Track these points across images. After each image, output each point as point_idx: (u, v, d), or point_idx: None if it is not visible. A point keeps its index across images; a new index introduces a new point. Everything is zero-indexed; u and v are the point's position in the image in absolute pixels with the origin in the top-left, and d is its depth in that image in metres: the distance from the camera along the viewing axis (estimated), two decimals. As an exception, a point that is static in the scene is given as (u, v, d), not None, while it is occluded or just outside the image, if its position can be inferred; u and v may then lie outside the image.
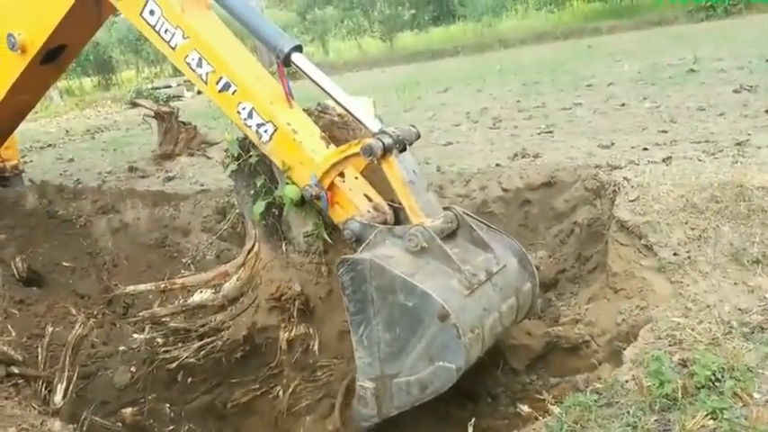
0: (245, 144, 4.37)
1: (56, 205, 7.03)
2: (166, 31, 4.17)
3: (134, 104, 12.36)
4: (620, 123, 7.88)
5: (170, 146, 10.14)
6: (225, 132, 4.67)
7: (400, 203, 3.80)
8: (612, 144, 6.72)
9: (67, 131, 15.35)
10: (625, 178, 5.01)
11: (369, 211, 3.91)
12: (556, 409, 3.27)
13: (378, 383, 3.61)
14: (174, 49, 4.18)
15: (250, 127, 4.06)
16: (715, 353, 3.21)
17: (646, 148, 6.29)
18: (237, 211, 4.77)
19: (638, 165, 5.53)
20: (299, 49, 3.94)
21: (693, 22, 21.49)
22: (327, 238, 4.23)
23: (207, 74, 4.10)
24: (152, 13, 4.19)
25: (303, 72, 3.94)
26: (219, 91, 4.10)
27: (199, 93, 21.58)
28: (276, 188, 4.32)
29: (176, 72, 28.53)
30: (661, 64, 12.39)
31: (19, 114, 6.11)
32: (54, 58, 5.23)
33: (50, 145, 13.27)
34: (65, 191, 7.41)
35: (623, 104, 9.11)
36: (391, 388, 3.57)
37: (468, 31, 30.42)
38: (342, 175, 3.95)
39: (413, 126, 3.94)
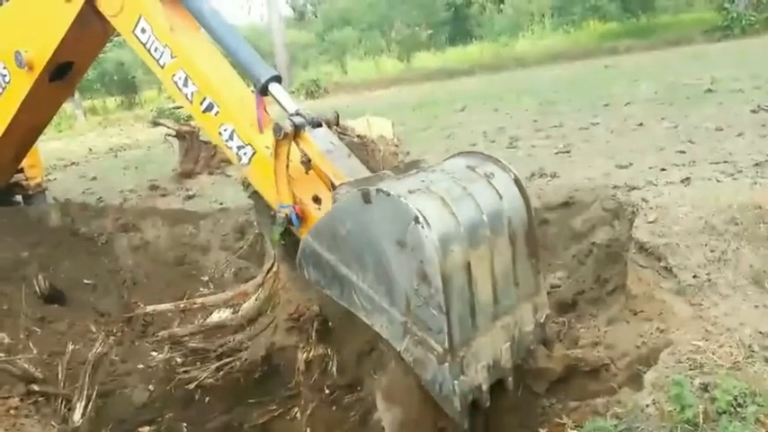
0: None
1: (78, 223, 7.10)
2: (156, 49, 4.26)
3: (156, 124, 12.52)
4: (637, 143, 7.86)
5: (190, 164, 10.25)
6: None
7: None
8: (630, 164, 6.71)
9: (91, 150, 15.53)
10: (643, 199, 5.00)
11: None
12: (575, 433, 3.25)
13: (409, 332, 3.38)
14: (162, 67, 4.27)
15: (231, 148, 4.10)
16: (736, 377, 3.18)
17: (664, 169, 6.26)
18: (257, 230, 4.80)
19: (656, 185, 5.51)
20: (277, 79, 3.97)
21: (710, 41, 21.46)
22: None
23: (192, 93, 4.17)
24: (143, 31, 4.29)
25: (279, 103, 3.94)
26: (203, 111, 4.16)
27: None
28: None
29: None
30: (678, 84, 12.36)
31: (31, 134, 6.20)
32: (62, 75, 5.34)
33: (74, 163, 13.44)
34: (87, 209, 7.49)
35: (641, 124, 9.09)
36: (417, 319, 3.32)
37: (485, 51, 30.58)
38: (318, 201, 3.94)
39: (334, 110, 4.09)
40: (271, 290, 4.58)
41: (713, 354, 3.45)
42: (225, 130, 4.09)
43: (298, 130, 3.70)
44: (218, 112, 4.10)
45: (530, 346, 3.96)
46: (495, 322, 3.61)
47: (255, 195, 4.56)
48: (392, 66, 32.00)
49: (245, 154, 4.05)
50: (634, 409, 3.20)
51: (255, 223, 4.78)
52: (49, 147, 7.33)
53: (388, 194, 3.23)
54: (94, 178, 11.10)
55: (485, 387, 3.47)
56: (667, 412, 3.04)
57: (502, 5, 29.46)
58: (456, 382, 3.26)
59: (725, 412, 2.97)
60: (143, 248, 6.93)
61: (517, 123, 10.85)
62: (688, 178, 5.65)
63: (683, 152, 6.98)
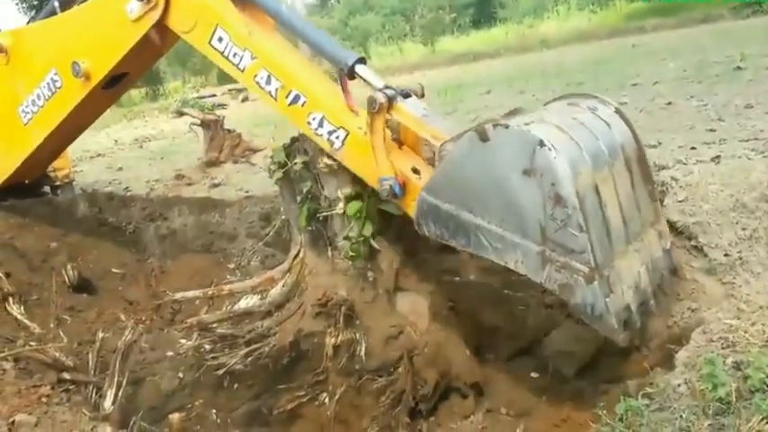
0: (291, 151, 4.42)
1: (106, 213, 7.18)
2: (235, 54, 4.32)
3: (180, 114, 12.63)
4: (666, 122, 7.73)
5: (215, 153, 10.30)
6: (270, 140, 4.71)
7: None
8: (659, 143, 6.59)
9: (116, 141, 15.68)
10: (673, 178, 4.91)
11: None
12: (607, 415, 3.21)
13: (548, 260, 3.33)
14: (242, 71, 4.32)
15: (321, 135, 4.13)
16: (770, 355, 3.12)
17: (693, 147, 6.15)
18: (283, 217, 4.80)
19: (685, 164, 5.41)
20: (362, 61, 4.03)
21: (739, 18, 20.99)
22: (374, 244, 4.24)
23: (276, 90, 4.21)
24: (220, 39, 4.35)
25: (367, 82, 4.00)
26: (289, 104, 4.20)
27: (243, 101, 21.87)
28: (321, 194, 4.35)
29: (221, 81, 29.02)
30: (707, 62, 12.13)
31: (74, 134, 6.30)
32: (115, 84, 5.41)
33: (100, 154, 13.59)
34: (114, 199, 7.57)
35: (669, 103, 8.93)
36: (556, 244, 3.26)
37: (510, 33, 30.26)
38: (417, 172, 3.97)
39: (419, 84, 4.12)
40: (298, 276, 4.58)
41: (745, 332, 3.39)
42: (314, 118, 4.13)
43: (390, 101, 3.80)
44: (305, 102, 4.15)
45: (662, 271, 3.95)
46: (628, 246, 3.60)
47: (281, 182, 4.58)
48: (416, 50, 31.82)
49: (337, 138, 4.08)
50: (666, 389, 3.16)
51: (282, 210, 4.77)
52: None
53: (507, 126, 3.25)
54: (120, 169, 11.21)
55: (633, 307, 3.46)
56: (699, 391, 3.00)
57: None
58: (607, 299, 3.23)
59: (758, 390, 2.92)
60: (170, 237, 6.98)
61: (543, 105, 10.73)
62: (718, 156, 5.54)
63: (713, 130, 6.85)
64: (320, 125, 4.11)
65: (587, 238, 3.18)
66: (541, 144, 3.16)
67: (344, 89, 4.11)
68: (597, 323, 3.29)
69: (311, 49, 4.33)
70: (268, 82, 4.23)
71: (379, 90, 3.83)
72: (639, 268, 3.66)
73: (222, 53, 4.36)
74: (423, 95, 4.09)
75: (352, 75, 4.00)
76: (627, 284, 3.46)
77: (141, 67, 5.64)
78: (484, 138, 3.33)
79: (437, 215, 3.66)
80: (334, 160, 4.15)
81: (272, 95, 4.25)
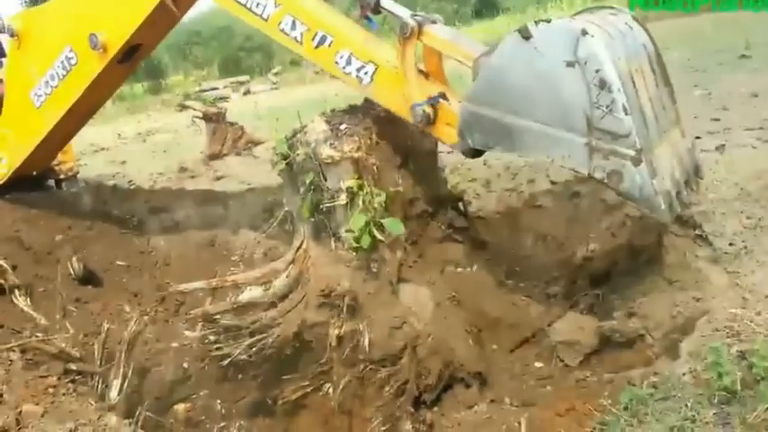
0: (293, 143, 4.41)
1: (110, 206, 7.18)
2: (258, 4, 4.39)
3: (183, 107, 12.62)
4: (670, 112, 7.69)
5: (218, 146, 10.30)
6: (272, 131, 4.70)
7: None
8: (663, 133, 6.57)
9: (119, 135, 15.67)
10: (677, 167, 4.89)
11: None
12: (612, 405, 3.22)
13: (596, 149, 3.40)
14: (266, 20, 4.40)
15: (349, 74, 4.22)
16: (775, 344, 3.11)
17: (698, 136, 6.12)
18: (286, 208, 4.80)
19: (690, 154, 5.38)
20: None
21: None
22: (377, 235, 4.24)
23: (302, 34, 4.30)
24: None
25: (393, 13, 4.07)
26: (316, 47, 4.28)
27: (245, 94, 21.86)
28: (324, 185, 4.34)
29: (222, 74, 29.00)
30: (711, 50, 12.09)
31: (86, 116, 6.28)
32: (130, 57, 5.42)
33: (103, 148, 13.59)
34: (118, 192, 7.57)
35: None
36: (602, 131, 3.34)
37: (513, 24, 30.07)
38: (445, 97, 4.04)
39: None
40: (301, 267, 4.57)
41: (750, 321, 3.39)
42: (341, 57, 4.22)
43: (420, 26, 3.91)
44: (331, 42, 4.22)
45: (687, 168, 3.98)
46: (660, 139, 3.66)
47: (284, 174, 4.57)
48: (418, 42, 31.72)
49: (366, 73, 4.17)
50: (671, 378, 3.16)
51: (285, 201, 4.77)
52: (78, 133, 7.35)
53: (549, 21, 3.36)
54: (124, 162, 11.22)
55: (673, 193, 3.53)
56: (704, 380, 3.00)
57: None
58: (654, 181, 3.32)
59: (763, 379, 2.92)
60: (174, 230, 6.99)
61: (546, 96, 10.69)
62: (723, 145, 5.53)
63: (718, 119, 6.84)
64: (348, 62, 4.19)
65: (632, 120, 3.28)
66: (584, 32, 3.26)
67: (372, 23, 4.20)
68: (646, 204, 3.39)
69: None
70: (293, 27, 4.30)
71: (410, 16, 3.93)
72: (672, 160, 3.72)
73: (244, 5, 4.42)
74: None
75: (377, 9, 4.07)
76: (665, 171, 3.54)
77: (155, 37, 5.64)
78: (526, 35, 3.40)
79: (480, 123, 3.73)
80: (337, 151, 4.14)
81: (297, 40, 4.32)
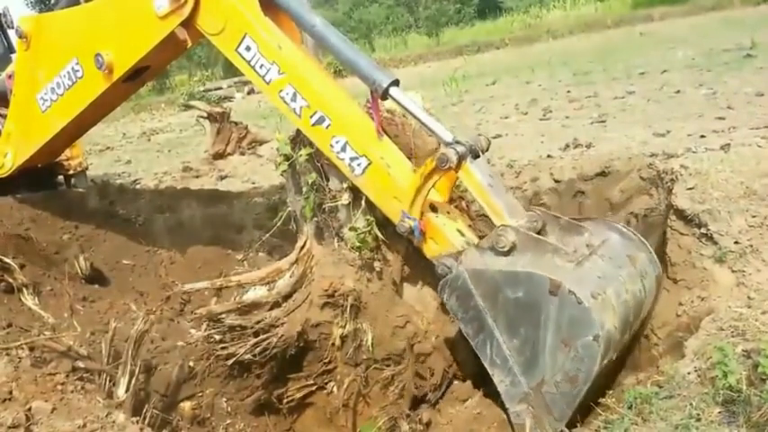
0: (296, 143, 4.42)
1: (116, 205, 7.21)
2: (262, 66, 4.19)
3: (187, 107, 12.68)
4: (675, 111, 7.70)
5: (222, 145, 10.34)
6: (276, 131, 4.71)
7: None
8: (668, 132, 6.57)
9: (124, 135, 15.74)
10: (682, 166, 4.90)
11: (462, 248, 3.93)
12: (616, 403, 3.22)
13: (529, 403, 3.56)
14: (268, 83, 4.21)
15: (343, 160, 4.10)
16: (780, 343, 3.11)
17: (703, 136, 6.13)
18: (289, 208, 4.82)
19: (695, 152, 5.40)
20: (396, 83, 3.94)
21: (749, 6, 20.84)
22: (380, 234, 4.25)
23: (301, 108, 4.13)
24: (248, 48, 4.21)
25: (402, 106, 3.94)
26: (313, 125, 4.13)
27: (249, 93, 21.88)
28: (326, 185, 4.36)
29: (226, 74, 29.02)
30: (716, 50, 12.06)
31: (91, 124, 6.26)
32: (136, 77, 5.31)
33: (109, 148, 13.65)
34: (124, 191, 7.60)
35: (678, 92, 8.90)
36: (544, 400, 3.49)
37: (516, 23, 30.13)
38: (435, 210, 3.99)
39: (481, 135, 4.03)
40: (305, 266, 4.59)
41: (756, 320, 3.39)
42: (336, 142, 4.09)
43: (461, 160, 3.71)
44: (329, 125, 4.08)
45: None
46: None
47: (287, 174, 4.58)
48: (420, 42, 31.72)
49: (358, 165, 4.06)
50: (675, 377, 3.16)
51: (288, 201, 4.78)
52: (84, 132, 7.49)
53: (580, 302, 3.27)
54: (129, 162, 11.27)
55: None
56: (709, 379, 3.00)
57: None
58: None
59: (769, 378, 2.91)
60: (179, 229, 7.01)
61: (550, 95, 10.71)
62: (728, 144, 5.52)
63: (723, 118, 6.83)
64: (343, 149, 4.07)
65: (570, 416, 3.43)
66: (596, 338, 3.26)
67: (376, 111, 4.05)
68: None
69: (344, 67, 4.20)
70: (293, 99, 4.14)
71: (450, 145, 3.71)
72: None
73: (249, 62, 4.23)
74: (488, 149, 4.04)
75: (385, 97, 3.92)
76: None
77: (164, 61, 5.55)
78: (553, 292, 3.34)
79: (465, 298, 3.71)
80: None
81: (295, 113, 4.17)
